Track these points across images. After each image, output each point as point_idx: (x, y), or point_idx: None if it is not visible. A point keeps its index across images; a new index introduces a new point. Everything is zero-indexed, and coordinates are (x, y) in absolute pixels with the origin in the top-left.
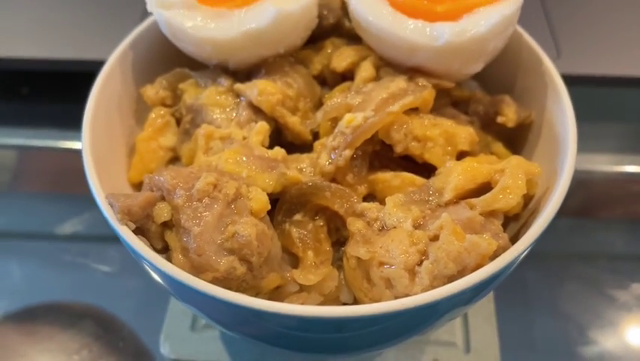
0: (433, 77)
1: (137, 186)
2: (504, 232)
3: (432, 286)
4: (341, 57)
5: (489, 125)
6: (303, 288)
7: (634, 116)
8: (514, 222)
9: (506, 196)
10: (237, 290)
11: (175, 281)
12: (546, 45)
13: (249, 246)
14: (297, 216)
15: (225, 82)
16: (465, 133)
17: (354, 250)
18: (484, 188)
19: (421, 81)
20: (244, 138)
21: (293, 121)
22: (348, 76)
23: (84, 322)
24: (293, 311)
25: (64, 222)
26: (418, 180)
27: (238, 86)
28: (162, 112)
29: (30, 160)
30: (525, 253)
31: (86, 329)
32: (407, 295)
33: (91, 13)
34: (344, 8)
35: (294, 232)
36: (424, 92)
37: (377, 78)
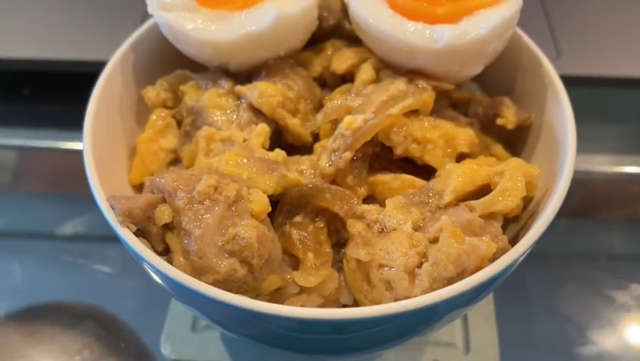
0: (432, 79)
1: (138, 188)
2: (503, 233)
3: (432, 289)
4: (341, 59)
5: (488, 127)
6: (303, 290)
7: (633, 116)
8: (513, 223)
9: (506, 198)
10: (238, 292)
11: (176, 283)
12: (546, 46)
13: (249, 248)
14: (298, 218)
15: (226, 84)
16: (465, 135)
17: (354, 251)
18: (484, 190)
19: (421, 83)
20: (245, 140)
21: (293, 123)
22: (348, 78)
23: (85, 322)
24: (293, 314)
25: (66, 223)
26: (418, 181)
27: (239, 88)
28: (163, 114)
29: (31, 161)
30: (524, 255)
31: (87, 330)
32: (407, 297)
33: (91, 14)
34: (344, 10)
35: (295, 233)
36: (424, 95)
37: (377, 80)
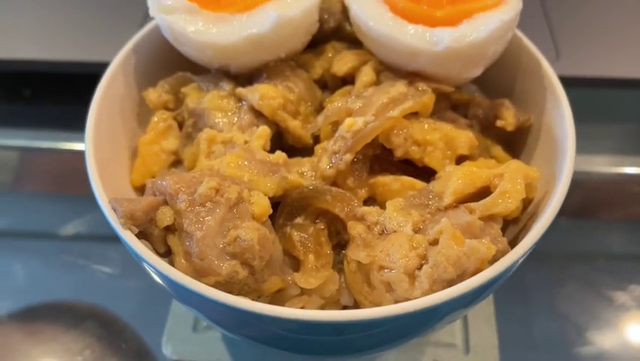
0: (432, 82)
1: (140, 189)
2: (503, 235)
3: (432, 290)
4: (342, 62)
5: (488, 129)
6: (304, 291)
7: (633, 117)
8: (513, 225)
9: (505, 201)
10: (239, 294)
11: (178, 285)
12: (546, 47)
13: (250, 250)
14: (298, 220)
15: (227, 86)
16: (464, 137)
17: (355, 253)
18: (484, 192)
19: (421, 86)
20: (246, 142)
21: (294, 125)
22: (348, 80)
23: (87, 322)
24: (294, 316)
25: (67, 223)
26: (418, 183)
27: (240, 90)
28: (164, 116)
29: (32, 161)
30: (524, 257)
31: (88, 330)
32: (407, 299)
33: (92, 15)
34: (344, 12)
35: (295, 235)
36: (424, 97)
37: (377, 82)
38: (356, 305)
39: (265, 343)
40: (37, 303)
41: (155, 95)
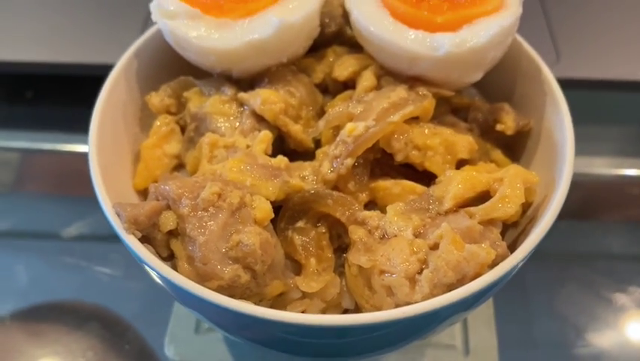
0: (433, 86)
1: (143, 193)
2: (502, 239)
3: (432, 295)
4: (343, 66)
5: (488, 133)
6: (305, 295)
7: (632, 119)
8: (512, 228)
9: (505, 205)
10: (241, 297)
11: (181, 290)
12: (546, 49)
13: (253, 254)
14: (300, 224)
15: (229, 91)
16: (464, 142)
17: (356, 258)
18: (484, 196)
19: (422, 90)
20: (248, 147)
21: (295, 129)
22: (349, 84)
23: (90, 324)
24: (296, 320)
25: (70, 224)
26: (419, 187)
27: (242, 95)
28: (167, 120)
29: (34, 162)
30: (523, 261)
31: (91, 331)
32: (408, 303)
33: (94, 17)
34: (345, 16)
35: (297, 239)
36: (425, 102)
37: (378, 87)
38: (357, 308)
39: (266, 345)
40: (40, 304)
41: (158, 99)
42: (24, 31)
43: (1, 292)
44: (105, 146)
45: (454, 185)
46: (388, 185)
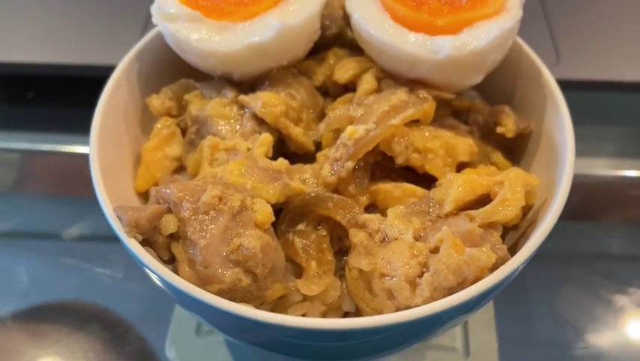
0: (433, 89)
1: (144, 195)
2: (503, 241)
3: (432, 298)
4: (343, 69)
5: (488, 135)
6: (306, 298)
7: (633, 120)
8: (512, 231)
9: (505, 208)
10: (242, 301)
11: (182, 293)
12: (546, 50)
13: (253, 258)
14: (301, 226)
15: (230, 93)
16: (465, 145)
17: (356, 261)
18: (484, 199)
19: (422, 93)
20: (248, 150)
21: (296, 132)
22: (350, 87)
23: (91, 325)
24: (296, 323)
25: (71, 225)
26: (419, 190)
27: (242, 97)
28: (168, 122)
29: (35, 163)
30: (524, 264)
31: (92, 332)
32: (408, 307)
33: (95, 18)
34: (346, 18)
35: (298, 242)
36: (425, 105)
37: (379, 90)
38: (358, 311)
39: (267, 348)
40: (40, 305)
41: (159, 101)
42: (25, 33)
43: (1, 293)
44: (106, 147)
45: (454, 188)
46: (389, 188)
